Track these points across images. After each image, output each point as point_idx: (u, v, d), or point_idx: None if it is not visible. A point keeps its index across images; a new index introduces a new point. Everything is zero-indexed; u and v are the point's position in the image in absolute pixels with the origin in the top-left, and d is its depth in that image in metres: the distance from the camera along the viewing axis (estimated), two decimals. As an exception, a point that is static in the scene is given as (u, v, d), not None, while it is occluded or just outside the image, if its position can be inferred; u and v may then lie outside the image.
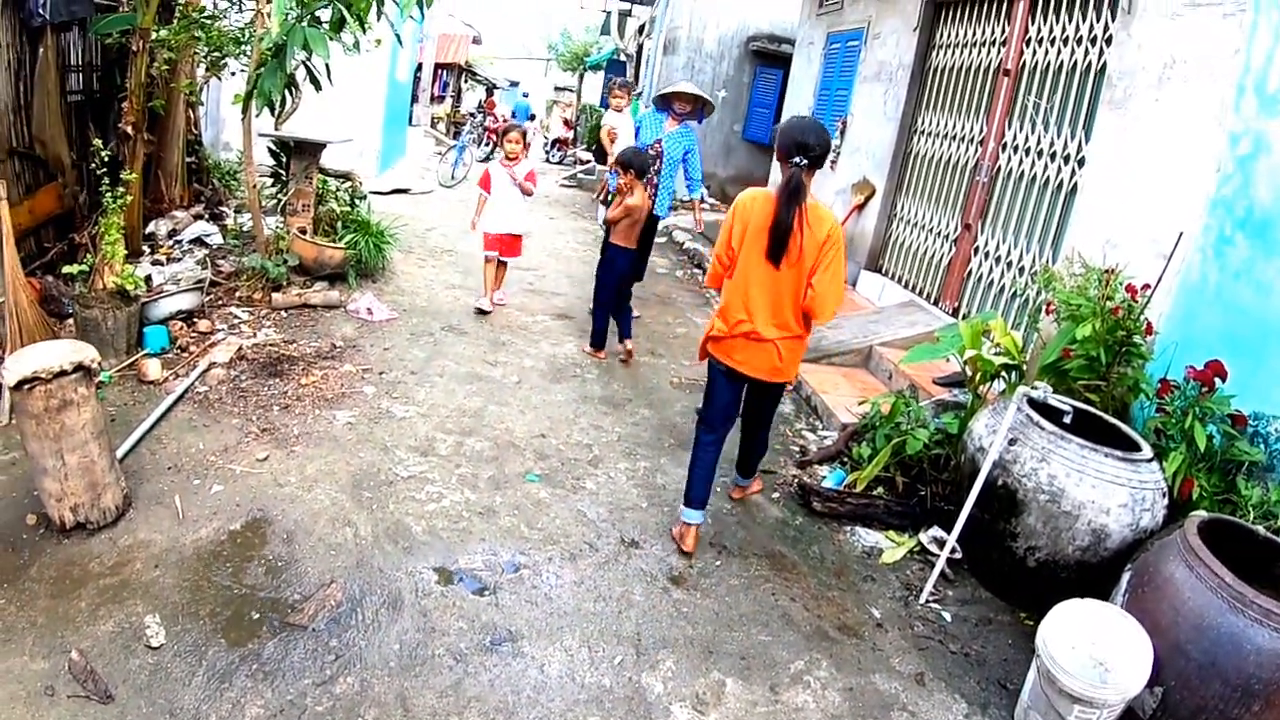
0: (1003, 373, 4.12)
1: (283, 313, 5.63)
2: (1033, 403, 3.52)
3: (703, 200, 7.45)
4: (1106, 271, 3.94)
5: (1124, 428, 3.56)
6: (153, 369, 4.48)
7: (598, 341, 5.88)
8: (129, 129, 5.50)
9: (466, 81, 30.94)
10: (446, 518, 3.54)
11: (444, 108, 25.87)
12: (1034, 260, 5.44)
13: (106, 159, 4.76)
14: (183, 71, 6.50)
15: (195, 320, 5.21)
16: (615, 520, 3.74)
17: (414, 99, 20.02)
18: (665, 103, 6.77)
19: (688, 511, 3.57)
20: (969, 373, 4.19)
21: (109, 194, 4.71)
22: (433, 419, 4.45)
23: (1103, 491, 3.19)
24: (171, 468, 3.66)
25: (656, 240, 8.09)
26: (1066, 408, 3.52)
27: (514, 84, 36.73)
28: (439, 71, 27.12)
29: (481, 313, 6.41)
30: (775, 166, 10.89)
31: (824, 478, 4.29)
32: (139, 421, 3.96)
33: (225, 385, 4.47)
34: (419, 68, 20.49)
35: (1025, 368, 4.12)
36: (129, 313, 4.64)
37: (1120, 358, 3.81)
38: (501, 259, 6.63)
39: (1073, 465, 3.24)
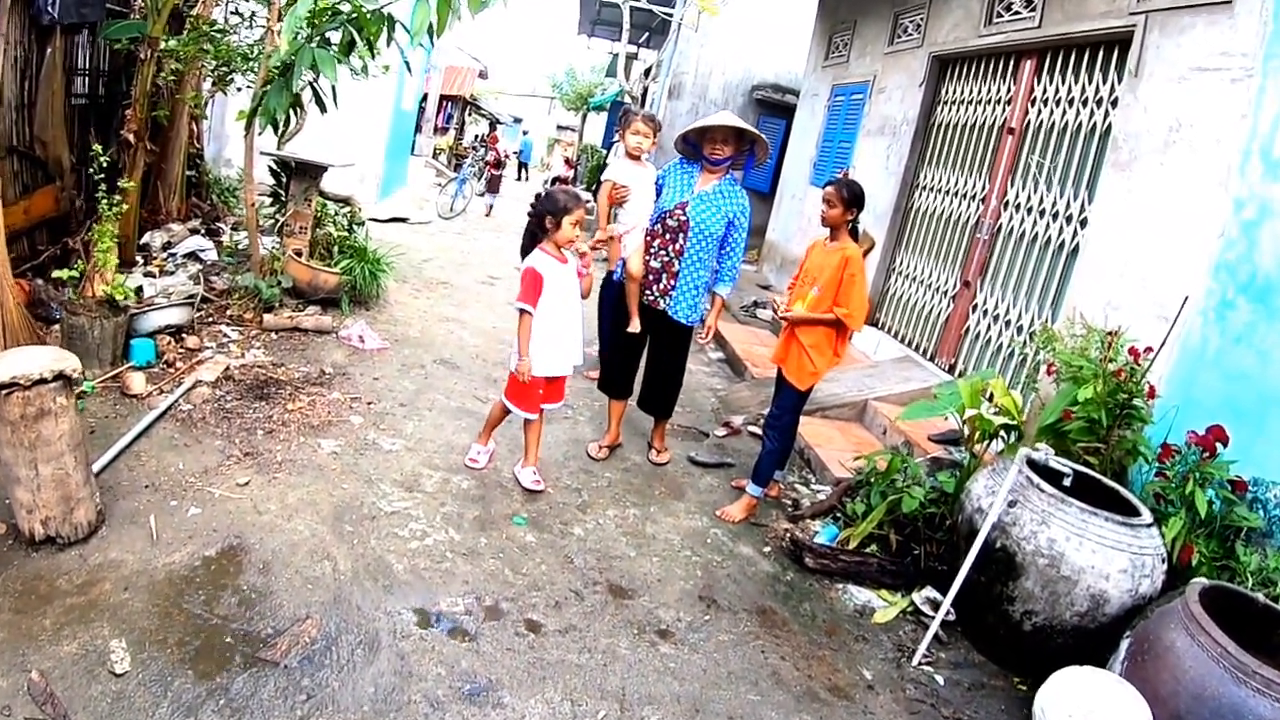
0: (1001, 433, 4.06)
1: (273, 335, 5.54)
2: (1033, 464, 3.46)
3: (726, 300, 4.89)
4: (1109, 333, 3.92)
5: (1124, 492, 3.51)
6: (137, 383, 4.39)
7: None
8: (131, 137, 5.46)
9: (470, 115, 31.21)
10: (429, 557, 3.43)
11: (447, 139, 26.04)
12: (1033, 319, 5.42)
13: (105, 164, 4.70)
14: (189, 84, 6.47)
15: (184, 336, 5.12)
16: (603, 568, 3.62)
17: (417, 129, 20.12)
18: (693, 147, 4.53)
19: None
20: (966, 431, 4.13)
21: (105, 201, 4.64)
22: (420, 453, 4.34)
23: (1103, 557, 3.13)
24: (149, 486, 3.56)
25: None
26: (1067, 470, 3.47)
27: (518, 120, 37.24)
28: (444, 103, 27.35)
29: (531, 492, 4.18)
30: (774, 212, 10.94)
31: (816, 533, 4.20)
32: (119, 435, 3.86)
33: (209, 405, 4.37)
34: (424, 98, 20.64)
35: (1024, 428, 4.07)
36: (116, 323, 4.56)
37: (1120, 420, 3.77)
38: (547, 407, 4.26)
39: (1073, 529, 3.18)
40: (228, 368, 4.81)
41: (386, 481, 3.96)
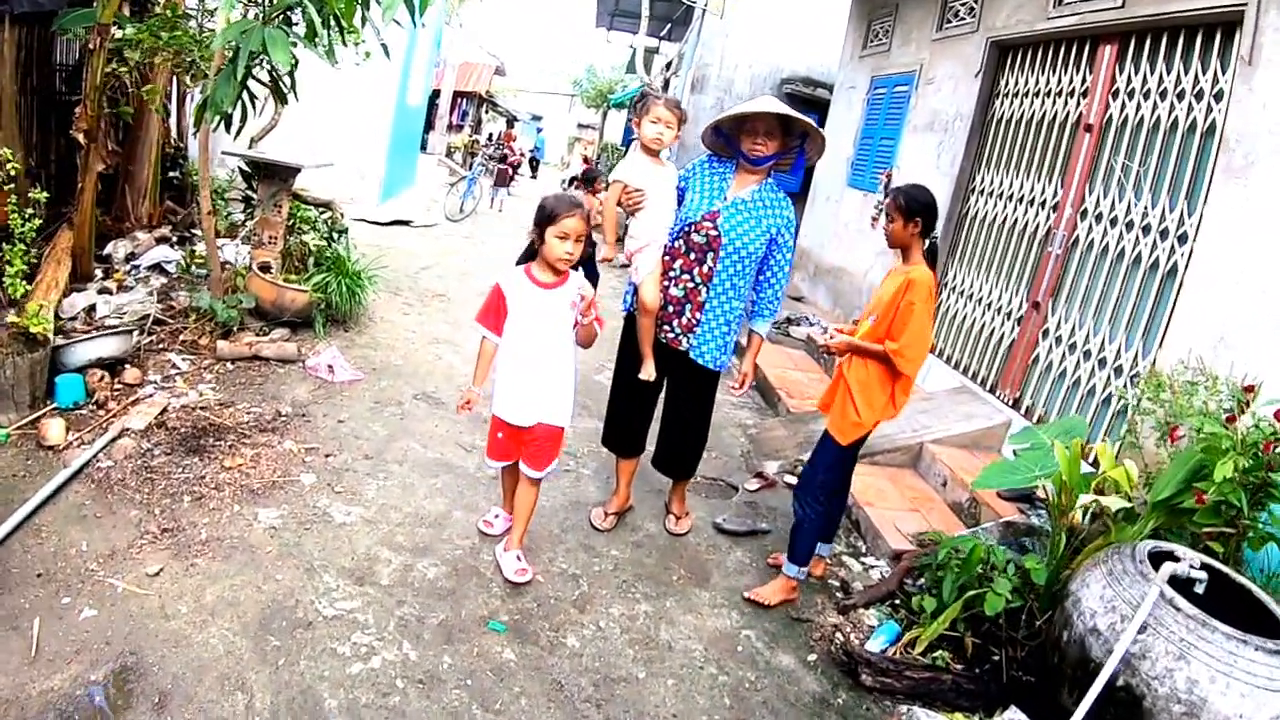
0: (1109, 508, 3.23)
1: (228, 365, 4.77)
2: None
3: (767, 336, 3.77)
4: (1246, 388, 3.08)
5: (1258, 593, 2.73)
6: (54, 431, 3.69)
7: None
8: (80, 136, 4.79)
9: (487, 112, 30.58)
10: (373, 687, 2.62)
11: (461, 137, 25.33)
12: (1119, 352, 4.57)
13: (14, 172, 3.99)
14: (157, 77, 5.80)
15: (123, 368, 4.39)
16: (601, 699, 2.79)
17: (430, 126, 19.47)
18: (726, 140, 3.53)
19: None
20: (1057, 502, 3.29)
21: (16, 215, 3.92)
22: (380, 527, 3.52)
23: (1254, 701, 2.35)
24: (42, 575, 2.86)
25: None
26: (1201, 575, 2.66)
27: (536, 118, 36.80)
28: (458, 100, 26.66)
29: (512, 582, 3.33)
30: (807, 215, 10.10)
31: (873, 629, 3.37)
32: (20, 503, 3.16)
33: (132, 462, 3.62)
34: (436, 94, 19.97)
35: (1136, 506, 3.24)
36: (33, 359, 3.85)
37: (1256, 501, 2.95)
38: (526, 470, 3.32)
39: (1219, 666, 2.38)
40: (164, 410, 4.07)
41: (332, 570, 3.17)
